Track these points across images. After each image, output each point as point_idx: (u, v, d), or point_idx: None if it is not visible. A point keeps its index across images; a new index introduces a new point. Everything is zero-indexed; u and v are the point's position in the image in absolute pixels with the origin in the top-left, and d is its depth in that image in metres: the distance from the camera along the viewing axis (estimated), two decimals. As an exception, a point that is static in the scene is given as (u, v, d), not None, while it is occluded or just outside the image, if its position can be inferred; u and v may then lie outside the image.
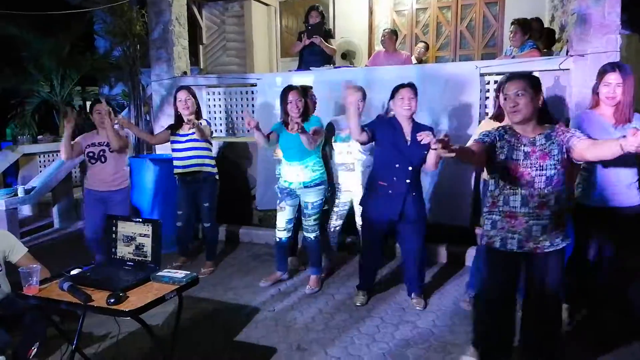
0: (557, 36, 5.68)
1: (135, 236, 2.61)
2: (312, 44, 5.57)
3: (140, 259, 2.60)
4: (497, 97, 3.31)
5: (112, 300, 2.17)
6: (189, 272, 2.52)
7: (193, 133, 4.11)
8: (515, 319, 2.59)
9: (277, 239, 4.00)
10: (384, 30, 6.30)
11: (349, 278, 4.10)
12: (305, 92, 3.89)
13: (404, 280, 3.76)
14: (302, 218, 3.91)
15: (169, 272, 2.51)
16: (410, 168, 3.37)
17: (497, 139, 2.42)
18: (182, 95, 4.19)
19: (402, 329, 3.26)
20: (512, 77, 2.43)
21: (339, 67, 5.75)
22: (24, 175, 6.89)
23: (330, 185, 4.03)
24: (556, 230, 2.38)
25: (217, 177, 4.37)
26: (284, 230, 3.95)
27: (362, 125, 3.38)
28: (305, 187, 3.79)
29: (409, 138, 3.37)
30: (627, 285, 3.18)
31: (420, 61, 6.78)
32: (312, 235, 3.90)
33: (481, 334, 2.71)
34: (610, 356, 2.85)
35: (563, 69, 4.24)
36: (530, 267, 2.45)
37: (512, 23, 4.92)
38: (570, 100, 4.19)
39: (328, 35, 5.75)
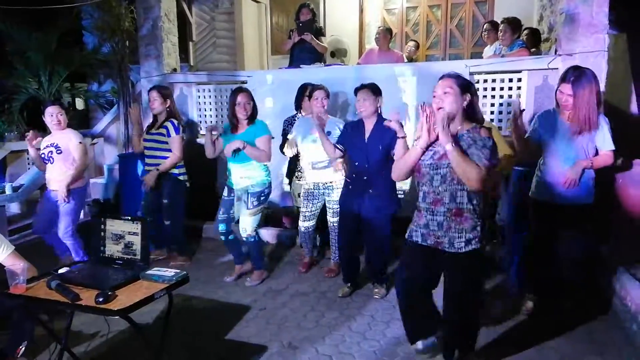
0: (545, 36, 5.72)
1: (124, 234, 2.59)
2: (303, 41, 5.55)
3: (129, 257, 2.58)
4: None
5: (100, 299, 2.15)
6: (179, 271, 2.51)
7: (157, 133, 4.28)
8: (432, 306, 2.66)
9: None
10: (378, 27, 6.28)
11: (340, 276, 4.10)
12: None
13: (367, 270, 3.90)
14: (240, 217, 3.98)
15: (158, 270, 2.49)
16: (366, 165, 3.53)
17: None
18: (152, 94, 4.34)
19: (392, 327, 3.27)
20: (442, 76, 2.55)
21: (330, 65, 5.74)
22: (12, 173, 6.80)
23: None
24: (456, 231, 2.44)
25: (180, 177, 4.38)
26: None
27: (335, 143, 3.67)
28: (246, 190, 3.89)
29: (367, 135, 3.55)
30: (579, 276, 3.40)
31: (410, 60, 6.79)
32: (250, 235, 3.97)
33: (403, 321, 2.76)
34: (566, 340, 3.02)
35: (552, 68, 4.27)
36: (441, 263, 2.54)
37: (502, 22, 4.94)
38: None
39: (319, 33, 5.74)
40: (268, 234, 5.12)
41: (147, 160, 4.41)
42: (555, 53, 4.31)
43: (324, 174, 4.01)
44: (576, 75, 3.00)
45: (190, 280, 2.56)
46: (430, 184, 2.48)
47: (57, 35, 6.94)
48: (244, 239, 3.99)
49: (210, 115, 5.75)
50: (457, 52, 7.72)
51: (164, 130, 4.28)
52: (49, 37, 6.87)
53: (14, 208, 6.47)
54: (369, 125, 3.59)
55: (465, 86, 2.47)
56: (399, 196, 4.49)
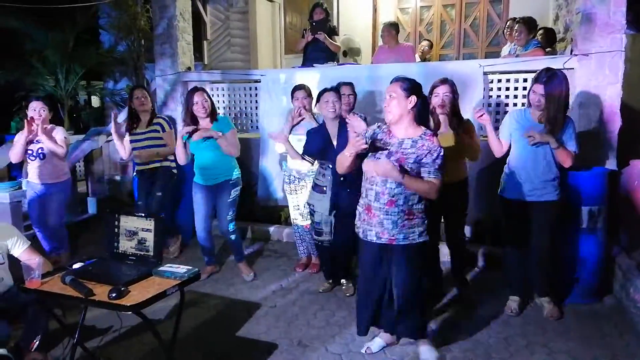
0: (561, 36, 5.66)
1: (137, 231, 2.63)
2: (317, 40, 5.56)
3: (142, 253, 2.62)
4: (429, 98, 3.42)
5: (113, 295, 2.19)
6: (190, 268, 2.53)
7: (151, 131, 4.29)
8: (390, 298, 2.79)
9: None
10: (383, 24, 6.14)
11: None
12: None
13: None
14: (218, 214, 4.02)
15: (170, 267, 2.52)
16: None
17: (373, 135, 2.67)
18: (138, 92, 4.33)
19: (402, 327, 3.27)
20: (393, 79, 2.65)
21: (343, 64, 5.74)
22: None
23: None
24: (408, 226, 2.61)
25: (174, 170, 4.46)
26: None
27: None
28: (224, 185, 3.92)
29: (335, 142, 3.54)
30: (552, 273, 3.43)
31: (424, 59, 6.76)
32: (235, 233, 4.08)
33: (360, 314, 2.93)
34: (578, 343, 2.93)
35: (567, 68, 4.22)
36: (390, 256, 2.69)
37: (517, 22, 4.90)
38: (573, 99, 4.18)
39: (332, 32, 5.75)
40: (277, 232, 5.15)
41: (142, 160, 4.39)
42: (571, 53, 4.26)
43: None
44: (549, 76, 3.12)
45: (201, 277, 2.59)
46: (384, 184, 2.58)
47: (74, 34, 7.05)
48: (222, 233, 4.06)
49: (224, 113, 5.78)
50: (471, 52, 7.68)
51: (157, 127, 4.33)
52: (66, 36, 6.98)
53: (30, 204, 6.55)
54: (332, 129, 3.58)
55: (411, 89, 2.56)
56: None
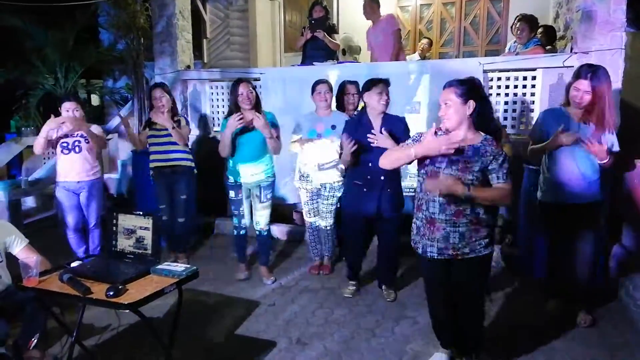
0: (561, 33, 5.64)
1: (135, 229, 2.62)
2: (316, 38, 5.55)
3: (140, 251, 2.61)
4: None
5: (111, 293, 2.18)
6: (189, 266, 2.53)
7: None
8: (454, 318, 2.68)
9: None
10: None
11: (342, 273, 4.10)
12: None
13: (376, 273, 3.88)
14: (254, 212, 3.96)
15: (169, 265, 2.52)
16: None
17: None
18: (157, 92, 4.20)
19: (401, 325, 3.27)
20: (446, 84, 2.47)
21: (342, 62, 5.73)
22: (28, 167, 6.91)
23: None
24: (475, 238, 2.43)
25: (195, 170, 4.38)
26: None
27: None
28: (259, 184, 3.85)
29: (382, 134, 3.40)
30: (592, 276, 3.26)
31: (423, 57, 6.75)
32: (264, 229, 3.97)
33: (437, 333, 2.82)
34: (577, 342, 2.93)
35: (567, 66, 4.21)
36: (455, 271, 2.52)
37: (520, 19, 4.87)
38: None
39: (332, 30, 5.73)
40: (278, 231, 5.14)
41: (159, 157, 4.26)
42: (571, 51, 4.25)
43: (330, 175, 3.92)
44: (593, 71, 2.91)
45: (200, 275, 2.59)
46: (449, 194, 2.37)
47: (74, 32, 7.03)
48: (257, 232, 3.97)
49: (224, 112, 5.77)
50: (471, 50, 7.66)
51: (176, 124, 4.22)
52: (66, 34, 6.96)
53: (29, 202, 6.56)
54: (377, 122, 3.44)
55: (468, 93, 2.37)
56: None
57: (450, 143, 2.31)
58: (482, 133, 2.44)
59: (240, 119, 3.59)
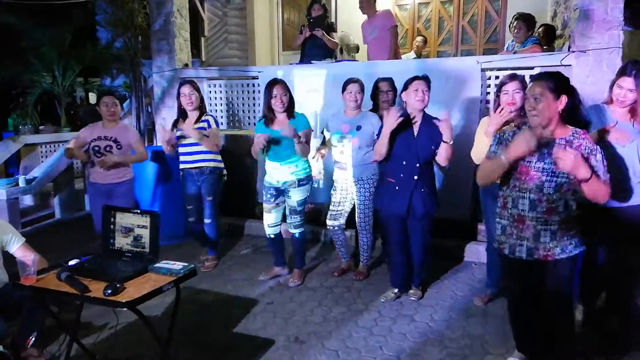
0: (559, 32, 5.66)
1: (133, 227, 2.62)
2: (314, 37, 5.55)
3: (138, 250, 2.61)
4: (497, 96, 3.19)
5: (108, 291, 2.18)
6: (186, 264, 2.52)
7: (199, 128, 4.03)
8: (549, 320, 2.53)
9: (269, 236, 3.97)
10: None
11: (347, 273, 4.11)
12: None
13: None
14: (287, 215, 3.88)
15: (166, 263, 2.52)
16: (417, 164, 3.32)
17: (510, 140, 2.35)
18: (185, 89, 4.06)
19: (399, 323, 3.27)
20: (510, 76, 2.37)
21: (340, 60, 5.73)
22: (26, 166, 6.91)
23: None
24: (567, 237, 2.33)
25: (224, 172, 4.26)
26: (274, 226, 3.94)
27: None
28: (291, 185, 3.77)
29: (417, 132, 3.35)
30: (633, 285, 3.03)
31: (419, 55, 6.75)
32: (297, 232, 3.90)
33: (516, 337, 2.72)
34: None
35: (565, 65, 4.22)
36: (543, 273, 2.40)
37: (516, 18, 4.88)
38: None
39: (330, 28, 5.73)
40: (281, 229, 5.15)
41: (186, 158, 4.14)
42: (569, 49, 4.25)
43: (346, 174, 3.88)
44: (638, 68, 2.76)
45: (199, 274, 2.59)
46: (540, 190, 2.28)
47: (72, 30, 7.02)
48: (296, 235, 3.90)
49: (221, 110, 5.77)
50: (469, 48, 7.67)
51: (204, 124, 4.09)
52: (63, 32, 6.95)
53: (27, 200, 6.57)
54: (417, 121, 3.36)
55: (560, 88, 2.24)
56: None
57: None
58: (571, 127, 2.31)
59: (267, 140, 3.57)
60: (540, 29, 5.36)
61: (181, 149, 4.16)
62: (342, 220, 4.04)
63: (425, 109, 3.38)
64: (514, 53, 4.71)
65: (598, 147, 2.27)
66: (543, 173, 2.27)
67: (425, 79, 3.35)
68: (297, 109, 3.85)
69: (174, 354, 2.69)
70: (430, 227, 3.52)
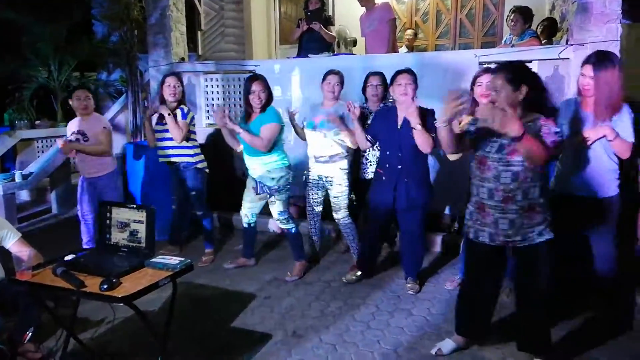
0: (557, 25, 5.64)
1: (129, 222, 2.61)
2: (312, 30, 5.52)
3: (134, 245, 2.60)
4: (471, 89, 3.27)
5: (105, 287, 2.17)
6: (183, 259, 2.52)
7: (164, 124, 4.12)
8: (493, 306, 2.71)
9: (243, 225, 4.15)
10: None
11: (344, 266, 4.10)
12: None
13: (401, 264, 3.82)
14: (270, 206, 3.92)
15: (163, 258, 2.51)
16: (399, 154, 3.38)
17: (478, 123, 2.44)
18: (171, 80, 4.09)
19: (397, 317, 3.28)
20: (486, 70, 2.42)
21: (338, 54, 5.71)
22: (22, 161, 6.88)
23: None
24: (528, 226, 2.38)
25: (198, 166, 4.22)
26: (247, 217, 4.10)
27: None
28: (262, 179, 3.81)
29: (400, 122, 3.39)
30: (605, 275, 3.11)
31: (411, 48, 6.73)
32: (287, 227, 3.93)
33: (458, 320, 2.81)
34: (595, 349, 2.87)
35: (562, 58, 4.21)
36: (506, 260, 2.51)
37: (513, 11, 4.87)
38: (568, 90, 4.17)
39: (327, 22, 5.70)
40: (273, 223, 5.14)
41: (163, 152, 4.21)
42: (567, 43, 4.24)
43: (325, 168, 3.87)
44: (598, 56, 2.83)
45: (196, 268, 2.58)
46: (497, 180, 2.36)
47: (67, 24, 6.97)
48: (287, 229, 3.93)
49: (218, 105, 5.75)
50: (467, 42, 7.65)
51: (178, 112, 4.12)
52: (59, 27, 6.90)
53: (23, 195, 6.55)
54: (402, 113, 3.39)
55: (519, 78, 2.30)
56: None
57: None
58: (535, 113, 2.35)
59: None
60: (546, 23, 5.34)
61: (158, 143, 4.21)
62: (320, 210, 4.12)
63: (412, 101, 3.38)
64: (512, 46, 4.70)
65: (557, 127, 2.32)
66: (499, 163, 2.36)
67: (409, 72, 3.40)
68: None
69: (171, 349, 2.69)
70: (421, 219, 3.52)
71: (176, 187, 4.32)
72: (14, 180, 5.21)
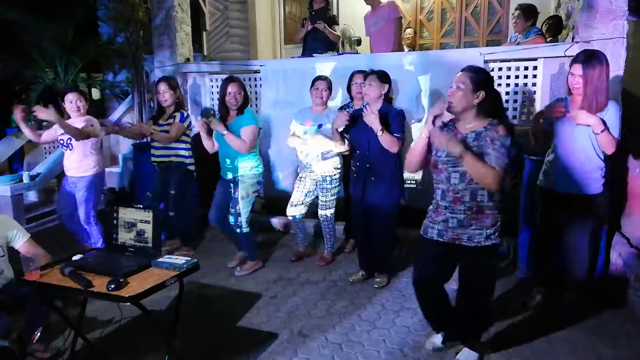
0: (563, 23, 5.61)
1: (136, 222, 2.63)
2: (316, 30, 5.52)
3: (141, 245, 2.62)
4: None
5: (112, 286, 2.19)
6: (189, 258, 2.54)
7: (167, 124, 4.22)
8: (445, 299, 2.74)
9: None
10: None
11: (350, 265, 4.11)
12: None
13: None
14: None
15: (169, 258, 2.53)
16: (367, 153, 3.51)
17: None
18: (160, 87, 4.23)
19: (402, 316, 3.28)
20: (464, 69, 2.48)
21: (342, 53, 5.70)
22: (30, 162, 6.93)
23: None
24: (475, 227, 2.43)
25: (190, 167, 4.36)
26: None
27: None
28: (235, 181, 3.87)
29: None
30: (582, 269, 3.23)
31: (412, 47, 6.72)
32: (243, 229, 3.96)
33: (424, 315, 2.85)
34: (577, 331, 2.95)
35: (568, 56, 4.18)
36: (456, 257, 2.57)
37: (516, 9, 4.86)
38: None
39: (332, 21, 5.70)
40: (278, 223, 5.16)
41: (156, 152, 4.34)
42: (573, 40, 4.22)
43: (316, 168, 4.01)
44: (587, 55, 2.92)
45: (202, 268, 2.60)
46: (448, 181, 2.45)
47: (73, 25, 7.00)
48: (241, 230, 3.95)
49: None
50: (472, 40, 7.62)
51: (172, 121, 4.26)
52: (65, 27, 6.94)
53: (31, 196, 6.58)
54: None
55: (480, 83, 2.38)
56: (411, 185, 4.49)
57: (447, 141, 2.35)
58: (490, 119, 2.42)
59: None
60: (551, 21, 5.31)
61: (153, 143, 4.37)
62: (304, 211, 4.22)
63: (383, 100, 3.52)
64: (517, 44, 4.68)
65: (506, 137, 2.34)
66: (448, 165, 2.45)
67: (370, 72, 3.54)
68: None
69: (178, 348, 2.70)
70: (389, 216, 3.61)
71: (160, 185, 4.39)
72: (21, 181, 5.25)
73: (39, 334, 2.67)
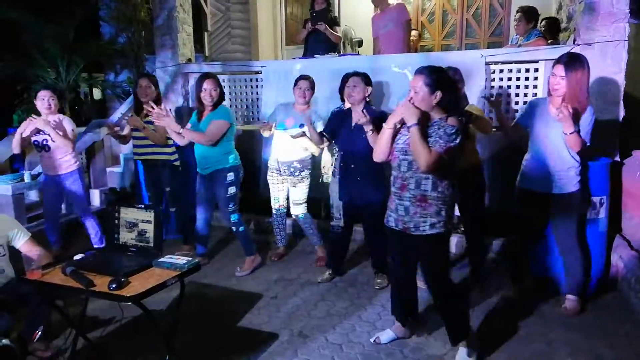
0: (564, 25, 5.61)
1: (137, 222, 2.64)
2: (317, 31, 5.52)
3: (142, 244, 2.63)
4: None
5: (113, 286, 2.20)
6: (190, 259, 2.54)
7: (151, 122, 4.14)
8: (413, 291, 2.89)
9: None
10: None
11: (350, 266, 4.12)
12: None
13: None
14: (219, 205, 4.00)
15: (170, 258, 2.54)
16: (352, 153, 3.52)
17: (401, 125, 2.59)
18: (142, 82, 4.23)
19: (402, 317, 3.28)
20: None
21: (344, 54, 5.71)
22: (31, 161, 6.91)
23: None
24: (420, 215, 2.51)
25: (175, 163, 4.37)
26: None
27: (321, 131, 3.74)
28: (212, 177, 3.89)
29: (354, 124, 3.54)
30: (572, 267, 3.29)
31: (415, 49, 6.73)
32: (236, 226, 4.02)
33: (391, 302, 2.99)
34: (577, 332, 2.91)
35: (569, 58, 4.19)
36: (410, 246, 2.64)
37: (517, 11, 4.88)
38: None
39: (333, 22, 5.70)
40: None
41: (139, 150, 4.35)
42: (574, 43, 4.22)
43: (291, 165, 4.08)
44: (570, 57, 2.99)
45: (203, 268, 2.60)
46: (399, 169, 2.57)
47: (74, 25, 7.02)
48: (236, 228, 4.03)
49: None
50: (473, 42, 7.63)
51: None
52: (66, 27, 6.95)
53: (32, 196, 6.58)
54: (355, 114, 3.54)
55: (435, 84, 2.45)
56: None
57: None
58: (445, 112, 2.51)
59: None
60: (543, 22, 5.32)
61: (134, 141, 4.35)
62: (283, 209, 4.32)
63: (366, 102, 3.57)
64: (518, 46, 4.69)
65: (451, 127, 2.42)
66: (400, 152, 2.56)
67: (358, 74, 3.58)
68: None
69: (179, 348, 2.71)
70: (378, 216, 3.54)
71: (151, 184, 4.45)
72: (23, 180, 5.25)
73: (39, 333, 2.67)
